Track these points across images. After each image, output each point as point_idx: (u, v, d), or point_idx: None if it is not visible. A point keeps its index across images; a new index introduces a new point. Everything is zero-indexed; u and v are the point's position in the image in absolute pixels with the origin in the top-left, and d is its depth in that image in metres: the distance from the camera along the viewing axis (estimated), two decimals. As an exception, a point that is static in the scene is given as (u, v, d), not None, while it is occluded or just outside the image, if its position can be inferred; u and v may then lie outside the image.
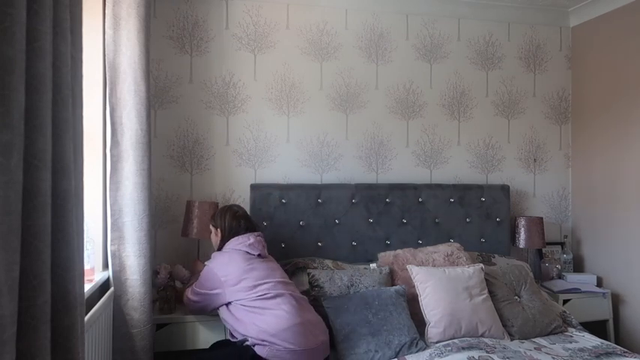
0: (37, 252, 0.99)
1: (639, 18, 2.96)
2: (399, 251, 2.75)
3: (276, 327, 1.97)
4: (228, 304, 2.10)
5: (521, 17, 3.40)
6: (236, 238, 2.27)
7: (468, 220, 3.12)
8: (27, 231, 0.98)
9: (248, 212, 2.76)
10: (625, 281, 3.08)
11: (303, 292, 2.35)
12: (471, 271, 2.47)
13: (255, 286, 2.08)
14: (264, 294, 2.06)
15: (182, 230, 2.67)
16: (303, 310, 2.10)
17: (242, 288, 2.07)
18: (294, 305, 2.06)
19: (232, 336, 2.13)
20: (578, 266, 3.43)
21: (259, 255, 2.23)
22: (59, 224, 1.12)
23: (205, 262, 2.26)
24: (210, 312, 2.23)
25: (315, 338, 2.03)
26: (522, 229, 3.17)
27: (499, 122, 3.40)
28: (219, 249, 2.32)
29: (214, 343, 2.29)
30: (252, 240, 2.25)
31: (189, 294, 2.27)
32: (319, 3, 3.06)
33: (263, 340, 1.97)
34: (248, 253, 2.21)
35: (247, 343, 2.03)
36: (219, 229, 2.37)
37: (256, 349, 1.98)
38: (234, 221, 2.34)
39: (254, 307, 2.03)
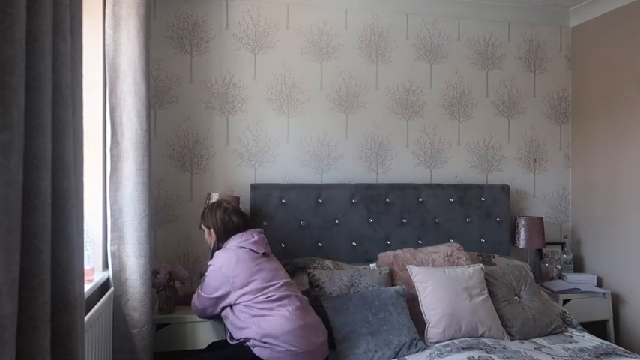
0: (37, 252, 0.99)
1: (639, 18, 2.96)
2: (399, 251, 2.75)
3: (280, 329, 1.95)
4: (232, 306, 2.06)
5: (521, 17, 3.40)
6: (239, 235, 2.20)
7: (468, 220, 3.12)
8: (27, 231, 0.98)
9: (248, 212, 2.76)
10: (625, 281, 3.08)
11: (304, 292, 2.33)
12: (470, 271, 2.47)
13: (264, 288, 2.04)
14: (271, 296, 2.03)
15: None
16: (306, 311, 2.09)
17: (250, 290, 2.02)
18: (298, 306, 2.05)
19: (231, 337, 2.09)
20: (578, 266, 3.43)
21: (264, 253, 2.18)
22: (59, 224, 1.12)
23: (209, 262, 2.16)
24: (218, 314, 2.14)
25: (315, 339, 2.02)
26: (522, 229, 3.17)
27: (499, 122, 3.39)
28: (218, 248, 2.24)
29: (210, 344, 2.29)
30: (256, 237, 2.20)
31: (195, 300, 2.19)
32: (319, 3, 3.06)
33: (265, 342, 1.95)
34: (253, 251, 2.15)
35: (247, 344, 2.01)
36: (212, 229, 2.29)
37: (256, 350, 1.97)
38: (226, 217, 2.26)
39: (259, 308, 2.00)
